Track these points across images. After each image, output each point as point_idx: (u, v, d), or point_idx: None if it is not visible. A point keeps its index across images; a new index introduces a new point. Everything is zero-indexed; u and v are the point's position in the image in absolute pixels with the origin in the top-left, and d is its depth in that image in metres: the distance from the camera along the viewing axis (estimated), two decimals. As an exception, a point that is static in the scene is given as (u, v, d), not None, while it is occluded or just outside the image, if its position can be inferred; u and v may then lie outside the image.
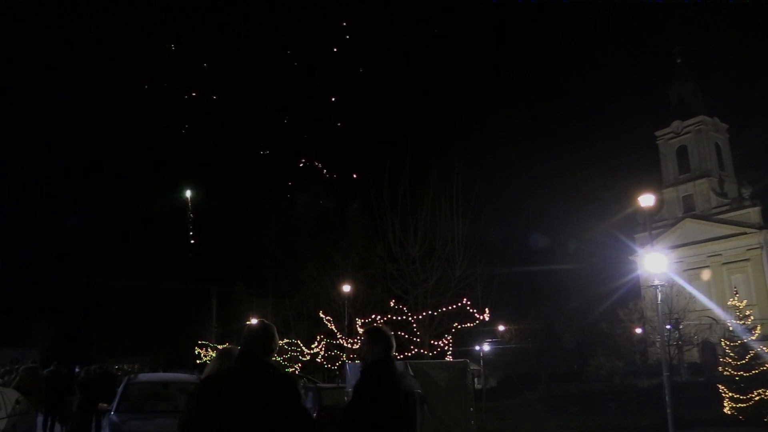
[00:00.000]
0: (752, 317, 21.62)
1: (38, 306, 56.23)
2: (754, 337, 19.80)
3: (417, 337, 21.97)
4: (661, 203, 48.29)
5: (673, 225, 48.89)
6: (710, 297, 40.17)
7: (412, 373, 11.66)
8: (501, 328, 44.14)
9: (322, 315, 28.19)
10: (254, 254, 45.41)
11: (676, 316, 32.75)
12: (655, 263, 14.76)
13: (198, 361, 37.43)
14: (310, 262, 32.60)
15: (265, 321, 3.55)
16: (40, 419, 13.40)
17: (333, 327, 27.72)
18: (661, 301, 14.57)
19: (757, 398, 17.91)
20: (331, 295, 28.47)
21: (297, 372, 28.13)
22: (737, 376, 18.61)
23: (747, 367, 18.58)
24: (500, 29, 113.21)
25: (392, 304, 22.90)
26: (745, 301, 22.92)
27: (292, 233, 36.25)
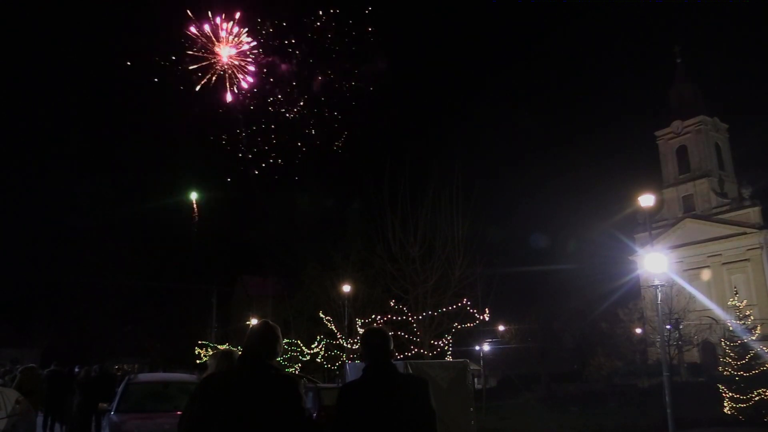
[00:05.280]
0: (752, 317, 21.60)
1: (38, 306, 56.17)
2: (754, 337, 19.78)
3: (417, 337, 21.98)
4: (661, 203, 48.29)
5: (673, 225, 48.88)
6: (710, 297, 40.17)
7: (411, 373, 11.66)
8: (501, 328, 44.12)
9: (322, 315, 28.19)
10: (254, 254, 45.41)
11: (676, 316, 32.72)
12: (655, 263, 14.76)
13: (198, 361, 37.40)
14: (310, 262, 32.60)
15: (270, 322, 3.50)
16: (40, 419, 13.40)
17: (333, 327, 27.72)
18: (661, 301, 14.58)
19: (757, 398, 17.90)
20: (331, 295, 28.46)
21: (297, 372, 28.14)
22: (737, 376, 18.59)
23: (747, 367, 18.56)
24: (500, 29, 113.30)
25: (392, 304, 22.91)
26: (745, 301, 22.91)
27: (292, 233, 36.24)
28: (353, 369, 15.67)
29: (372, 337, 3.60)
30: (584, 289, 40.23)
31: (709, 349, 39.25)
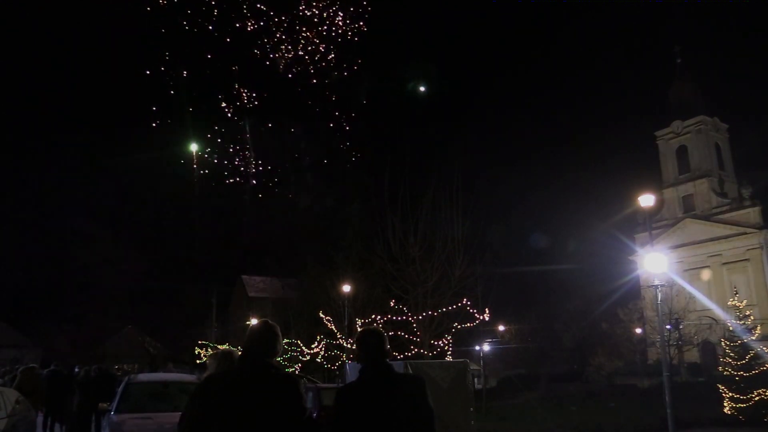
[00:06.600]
0: (752, 317, 21.60)
1: (38, 306, 56.20)
2: (754, 337, 19.78)
3: (417, 337, 21.98)
4: (661, 203, 48.25)
5: (673, 225, 48.87)
6: (710, 297, 40.15)
7: (409, 372, 11.66)
8: (501, 328, 44.11)
9: (322, 315, 28.18)
10: (254, 254, 45.46)
11: (676, 316, 32.73)
12: (655, 263, 14.74)
13: (198, 361, 37.44)
14: (310, 262, 32.61)
15: (269, 321, 3.50)
16: (40, 419, 13.40)
17: (333, 327, 27.71)
18: (661, 301, 14.56)
19: (757, 398, 17.90)
20: (331, 295, 28.45)
21: (297, 372, 28.15)
22: (737, 376, 18.60)
23: (747, 367, 18.57)
24: (500, 29, 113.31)
25: (392, 304, 22.90)
26: (745, 301, 22.90)
27: (292, 233, 36.25)
28: (353, 369, 15.68)
29: (368, 337, 3.60)
30: (584, 289, 40.29)
31: (709, 349, 39.24)
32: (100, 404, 10.96)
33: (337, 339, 27.59)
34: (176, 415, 3.64)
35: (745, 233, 44.74)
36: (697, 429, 17.25)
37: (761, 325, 28.92)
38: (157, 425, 8.04)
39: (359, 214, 29.50)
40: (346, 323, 26.07)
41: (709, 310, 36.40)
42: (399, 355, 21.68)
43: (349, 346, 26.07)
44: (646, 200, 14.63)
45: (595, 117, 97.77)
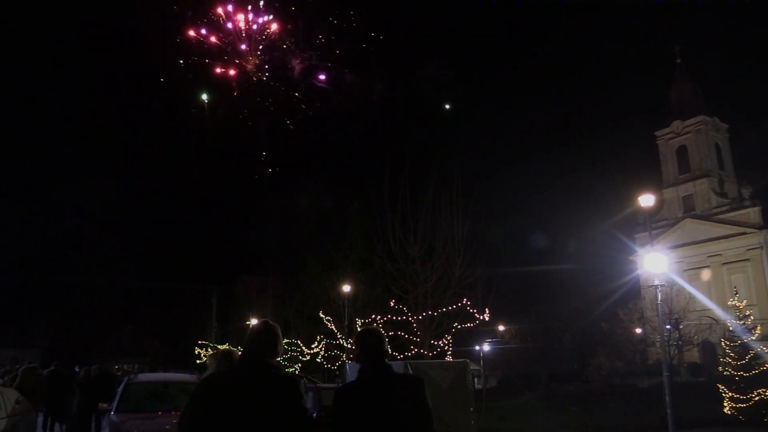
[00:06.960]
0: (752, 317, 21.63)
1: (38, 306, 56.31)
2: (754, 337, 19.81)
3: (417, 337, 21.98)
4: (661, 203, 48.25)
5: (673, 225, 48.87)
6: (710, 297, 40.16)
7: (411, 373, 11.66)
8: (501, 328, 44.12)
9: (322, 315, 28.17)
10: (254, 254, 45.45)
11: (676, 316, 32.74)
12: (655, 263, 14.76)
13: (198, 361, 37.46)
14: (310, 262, 32.56)
15: (270, 321, 3.50)
16: (40, 419, 13.41)
17: (333, 327, 27.71)
18: (661, 301, 14.57)
19: (757, 398, 17.92)
20: (331, 295, 28.44)
21: (297, 372, 28.13)
22: (737, 376, 18.62)
23: (747, 367, 18.59)
24: (499, 29, 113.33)
25: (392, 304, 22.90)
26: (745, 301, 22.92)
27: (292, 233, 36.22)
28: (353, 369, 15.67)
29: (367, 337, 3.60)
30: (584, 289, 40.28)
31: (709, 349, 39.25)
32: (100, 404, 10.97)
33: (337, 339, 27.59)
34: (176, 415, 3.65)
35: (745, 233, 44.75)
36: (697, 429, 17.25)
37: (761, 325, 28.93)
38: (157, 425, 8.05)
39: (359, 214, 29.45)
40: (346, 323, 26.06)
41: (709, 310, 36.39)
42: (399, 355, 21.68)
43: (349, 346, 26.07)
44: (646, 200, 14.64)
45: (595, 117, 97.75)
